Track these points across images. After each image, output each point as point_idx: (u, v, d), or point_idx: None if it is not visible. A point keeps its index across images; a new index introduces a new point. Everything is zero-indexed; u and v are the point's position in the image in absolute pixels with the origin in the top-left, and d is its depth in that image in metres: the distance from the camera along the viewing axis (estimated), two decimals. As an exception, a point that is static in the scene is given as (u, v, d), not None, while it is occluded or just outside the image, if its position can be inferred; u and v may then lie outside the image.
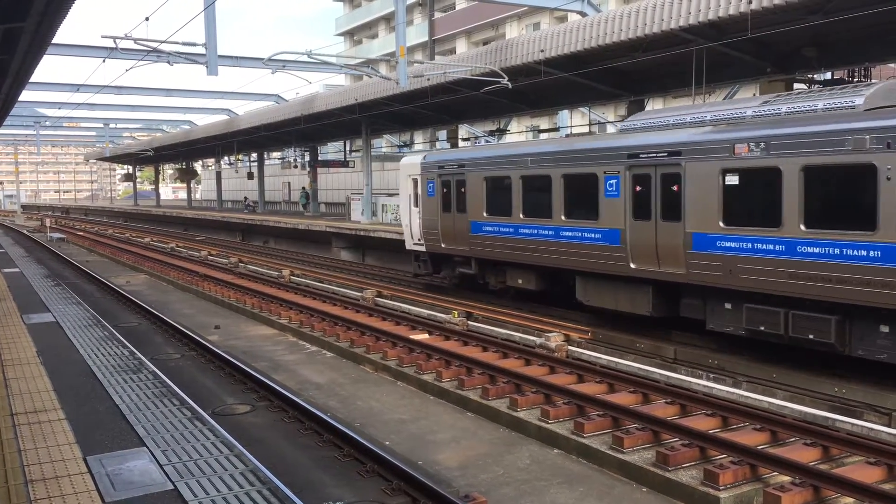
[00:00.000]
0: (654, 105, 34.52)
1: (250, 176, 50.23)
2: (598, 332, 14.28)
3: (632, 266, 13.12)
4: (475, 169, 17.14)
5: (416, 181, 19.53)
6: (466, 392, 11.40)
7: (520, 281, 16.29)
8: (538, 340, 14.11)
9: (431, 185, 18.70)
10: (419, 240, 19.46)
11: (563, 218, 14.51)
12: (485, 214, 16.77)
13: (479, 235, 16.95)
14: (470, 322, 16.36)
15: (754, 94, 20.97)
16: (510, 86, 19.75)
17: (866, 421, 9.50)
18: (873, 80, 16.99)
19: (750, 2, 13.56)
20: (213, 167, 56.92)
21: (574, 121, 37.04)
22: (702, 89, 17.24)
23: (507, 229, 16.03)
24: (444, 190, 18.23)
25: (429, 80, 22.79)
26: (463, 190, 17.54)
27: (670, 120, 12.93)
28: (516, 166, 15.78)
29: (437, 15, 56.26)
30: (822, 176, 10.28)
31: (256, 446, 9.01)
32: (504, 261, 16.53)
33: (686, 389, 11.04)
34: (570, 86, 21.83)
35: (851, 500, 7.23)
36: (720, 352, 12.38)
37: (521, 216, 15.63)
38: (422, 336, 14.99)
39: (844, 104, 10.37)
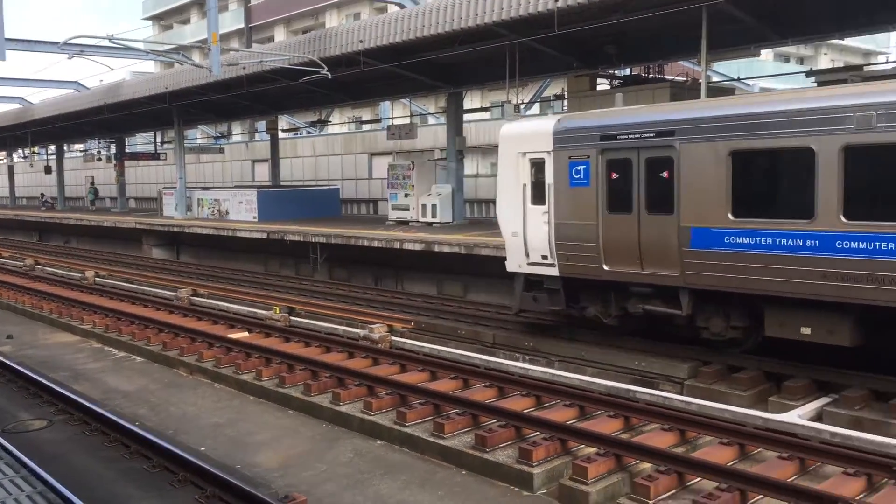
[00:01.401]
0: (472, 98, 35.52)
1: (48, 170, 45.90)
2: (421, 322, 14.46)
3: None
4: (703, 138, 10.47)
5: (537, 163, 12.43)
6: (288, 390, 11.09)
7: (806, 330, 9.93)
8: (362, 332, 14.04)
9: (580, 167, 11.94)
10: (544, 256, 12.42)
11: None
12: (730, 216, 10.24)
13: (713, 252, 10.42)
14: (292, 317, 15.97)
15: (563, 89, 22.07)
16: (330, 76, 19.44)
17: (662, 391, 10.33)
18: (667, 77, 18.48)
19: (556, 0, 14.25)
20: (4, 161, 51.45)
21: (395, 112, 37.31)
22: (515, 82, 17.90)
23: (801, 241, 9.60)
24: (615, 175, 11.60)
25: (244, 68, 21.93)
26: (666, 175, 10.91)
27: None
28: (826, 129, 9.30)
29: (255, 1, 54.42)
30: None
31: (52, 464, 8.22)
32: (773, 295, 9.95)
33: (504, 372, 11.43)
34: (391, 77, 21.89)
35: (649, 465, 7.79)
36: (534, 335, 12.95)
37: (841, 218, 9.22)
38: (241, 334, 14.42)
39: None
